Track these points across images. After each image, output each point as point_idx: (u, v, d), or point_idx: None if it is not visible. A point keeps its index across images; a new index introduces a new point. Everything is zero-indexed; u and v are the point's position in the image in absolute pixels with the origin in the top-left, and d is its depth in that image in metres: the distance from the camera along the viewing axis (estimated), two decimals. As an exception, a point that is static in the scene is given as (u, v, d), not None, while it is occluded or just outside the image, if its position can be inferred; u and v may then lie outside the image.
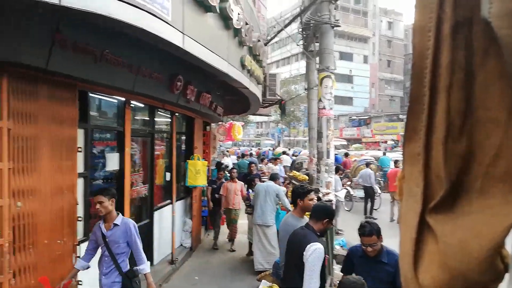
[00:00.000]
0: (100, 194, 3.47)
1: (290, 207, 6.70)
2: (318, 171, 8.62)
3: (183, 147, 8.15)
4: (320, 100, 8.62)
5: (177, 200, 7.44)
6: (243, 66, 5.61)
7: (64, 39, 3.25)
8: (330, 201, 6.28)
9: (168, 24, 3.41)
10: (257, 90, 7.10)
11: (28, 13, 2.94)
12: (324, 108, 8.54)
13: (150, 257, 6.37)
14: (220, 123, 12.42)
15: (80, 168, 4.46)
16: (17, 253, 3.18)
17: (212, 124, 12.45)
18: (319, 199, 6.55)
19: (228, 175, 13.02)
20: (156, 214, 6.54)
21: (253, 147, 37.81)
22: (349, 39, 54.27)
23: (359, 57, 55.05)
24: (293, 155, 19.47)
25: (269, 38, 10.39)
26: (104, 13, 2.78)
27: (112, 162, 5.13)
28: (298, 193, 3.89)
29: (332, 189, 8.54)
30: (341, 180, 10.44)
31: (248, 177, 8.38)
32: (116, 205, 3.58)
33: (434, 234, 0.41)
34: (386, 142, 35.46)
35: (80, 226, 4.17)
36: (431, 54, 0.42)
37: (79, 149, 3.99)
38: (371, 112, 47.32)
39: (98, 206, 3.47)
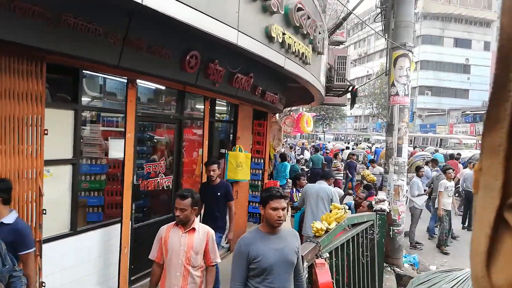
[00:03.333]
0: None
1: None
2: (386, 172, 7.10)
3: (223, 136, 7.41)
4: (392, 85, 7.08)
5: (213, 195, 6.74)
6: (270, 38, 4.56)
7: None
8: (383, 211, 4.87)
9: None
10: (303, 72, 5.93)
11: None
12: (397, 94, 6.99)
13: (173, 256, 5.80)
14: (288, 113, 11.39)
15: (67, 154, 4.00)
16: None
17: (278, 114, 11.52)
18: (370, 207, 5.21)
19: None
20: (183, 209, 5.91)
21: (360, 142, 35.26)
22: (467, 23, 48.06)
23: (479, 44, 48.53)
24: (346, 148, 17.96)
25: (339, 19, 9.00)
26: None
27: (115, 149, 4.60)
28: (261, 199, 2.80)
29: (403, 195, 6.97)
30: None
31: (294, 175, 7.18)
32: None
33: None
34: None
35: (49, 220, 3.67)
36: None
37: (46, 132, 3.47)
38: (490, 107, 40.69)
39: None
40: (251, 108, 7.59)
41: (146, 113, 5.15)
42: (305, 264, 2.97)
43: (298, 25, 5.18)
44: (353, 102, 9.96)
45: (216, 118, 7.18)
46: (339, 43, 11.51)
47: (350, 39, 59.38)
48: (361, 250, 4.36)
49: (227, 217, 5.32)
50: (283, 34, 4.81)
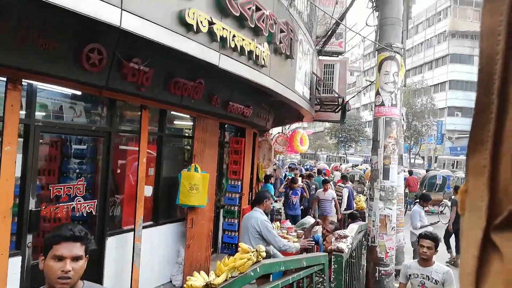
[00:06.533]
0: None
1: (289, 246, 4.32)
2: (371, 198, 5.85)
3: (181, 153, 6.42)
4: (377, 94, 5.92)
5: (159, 224, 5.72)
6: (187, 26, 3.58)
7: None
8: (340, 250, 3.65)
9: None
10: (256, 75, 4.90)
11: None
12: (382, 104, 5.81)
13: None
14: (280, 132, 10.30)
15: None
16: None
17: (271, 132, 10.47)
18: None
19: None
20: (112, 240, 4.91)
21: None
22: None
23: (512, 62, 45.91)
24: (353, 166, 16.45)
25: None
26: None
27: None
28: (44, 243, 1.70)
29: (392, 227, 5.69)
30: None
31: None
32: None
33: (499, 252, 0.38)
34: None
35: None
36: (501, 59, 0.39)
37: None
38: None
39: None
40: (216, 121, 6.58)
41: (53, 123, 4.26)
42: None
43: (238, 15, 4.19)
44: (343, 116, 8.73)
45: (171, 132, 6.24)
46: (338, 53, 10.44)
47: (372, 52, 58.04)
48: (298, 307, 3.17)
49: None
50: (211, 23, 3.82)
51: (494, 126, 0.38)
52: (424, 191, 12.85)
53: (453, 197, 9.25)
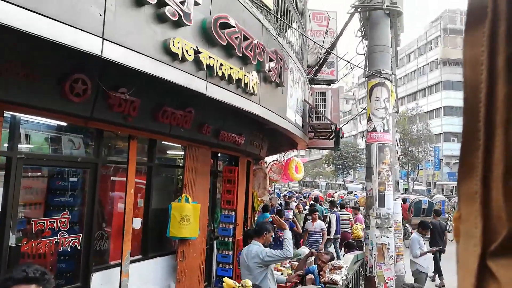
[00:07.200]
0: None
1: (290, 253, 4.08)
2: (367, 226, 5.70)
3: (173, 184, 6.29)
4: (369, 120, 5.88)
5: (148, 257, 5.51)
6: (171, 54, 3.57)
7: None
8: (334, 283, 3.47)
9: None
10: (245, 103, 4.87)
11: None
12: (374, 130, 5.77)
13: None
14: (275, 160, 10.21)
15: None
16: None
17: (266, 159, 10.38)
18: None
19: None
20: (97, 276, 4.69)
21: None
22: None
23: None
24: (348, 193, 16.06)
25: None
26: None
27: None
28: None
29: (390, 255, 5.50)
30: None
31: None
32: None
33: (497, 280, 0.37)
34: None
35: None
36: (484, 87, 0.40)
37: None
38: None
39: None
40: (207, 150, 6.50)
41: (37, 155, 4.16)
42: None
43: (225, 44, 4.19)
44: (336, 143, 8.69)
45: (161, 162, 6.14)
46: (330, 82, 10.53)
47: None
48: None
49: None
50: (197, 52, 3.81)
51: (483, 153, 0.38)
52: (412, 216, 12.77)
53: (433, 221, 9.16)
